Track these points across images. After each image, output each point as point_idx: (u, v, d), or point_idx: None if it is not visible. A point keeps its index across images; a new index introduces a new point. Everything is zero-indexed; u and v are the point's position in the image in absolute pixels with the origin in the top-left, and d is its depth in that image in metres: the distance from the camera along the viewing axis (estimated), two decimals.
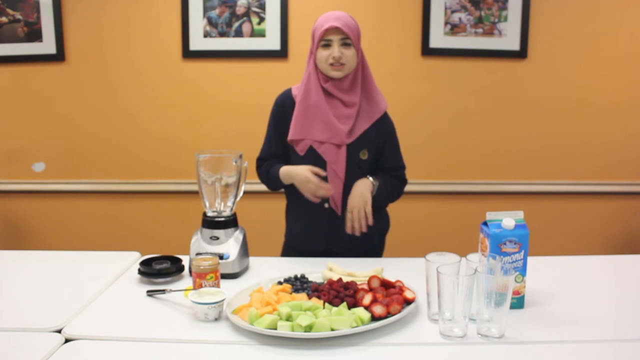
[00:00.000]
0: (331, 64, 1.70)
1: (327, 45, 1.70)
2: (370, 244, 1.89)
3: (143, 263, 1.59)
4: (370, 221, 1.73)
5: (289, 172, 1.76)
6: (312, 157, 1.76)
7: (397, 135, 1.87)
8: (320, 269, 1.56)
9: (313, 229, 1.83)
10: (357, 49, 1.73)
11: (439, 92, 2.85)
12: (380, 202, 1.82)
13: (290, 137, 1.77)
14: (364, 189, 1.74)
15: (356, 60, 1.74)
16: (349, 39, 1.69)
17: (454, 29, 2.78)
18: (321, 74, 1.75)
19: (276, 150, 1.85)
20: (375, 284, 1.37)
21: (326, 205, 1.79)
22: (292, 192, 1.83)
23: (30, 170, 2.93)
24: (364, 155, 1.79)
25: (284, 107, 1.82)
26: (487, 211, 1.35)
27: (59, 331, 1.25)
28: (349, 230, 1.75)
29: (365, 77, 1.79)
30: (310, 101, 1.75)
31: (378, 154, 1.83)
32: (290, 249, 1.91)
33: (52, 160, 2.93)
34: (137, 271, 1.57)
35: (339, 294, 1.32)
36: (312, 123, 1.75)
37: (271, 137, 1.86)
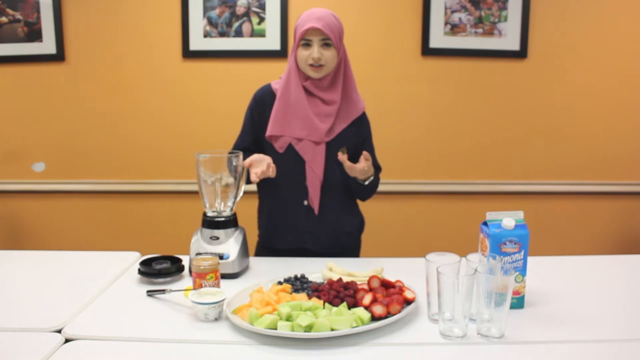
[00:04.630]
0: (310, 65, 1.69)
1: (307, 45, 1.68)
2: (349, 242, 1.88)
3: (143, 263, 1.59)
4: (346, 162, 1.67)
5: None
6: (292, 155, 1.75)
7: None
8: (320, 268, 1.56)
9: (291, 227, 1.80)
10: (338, 49, 1.71)
11: (438, 92, 2.85)
12: (360, 190, 1.80)
13: (268, 132, 1.75)
14: (370, 168, 1.72)
15: (336, 61, 1.72)
16: (330, 39, 1.67)
17: (454, 29, 2.78)
18: (301, 72, 1.74)
19: (249, 145, 1.82)
20: (375, 284, 1.37)
21: (305, 202, 1.78)
22: (266, 189, 1.81)
23: (30, 170, 2.93)
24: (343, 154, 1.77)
25: (263, 102, 1.80)
26: (487, 211, 1.35)
27: (59, 331, 1.25)
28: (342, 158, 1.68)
29: (347, 76, 1.77)
30: (290, 98, 1.74)
31: (356, 153, 1.80)
32: (265, 249, 1.86)
33: (52, 160, 2.93)
34: (137, 271, 1.57)
35: (339, 294, 1.32)
36: (291, 120, 1.74)
37: (246, 131, 1.84)
